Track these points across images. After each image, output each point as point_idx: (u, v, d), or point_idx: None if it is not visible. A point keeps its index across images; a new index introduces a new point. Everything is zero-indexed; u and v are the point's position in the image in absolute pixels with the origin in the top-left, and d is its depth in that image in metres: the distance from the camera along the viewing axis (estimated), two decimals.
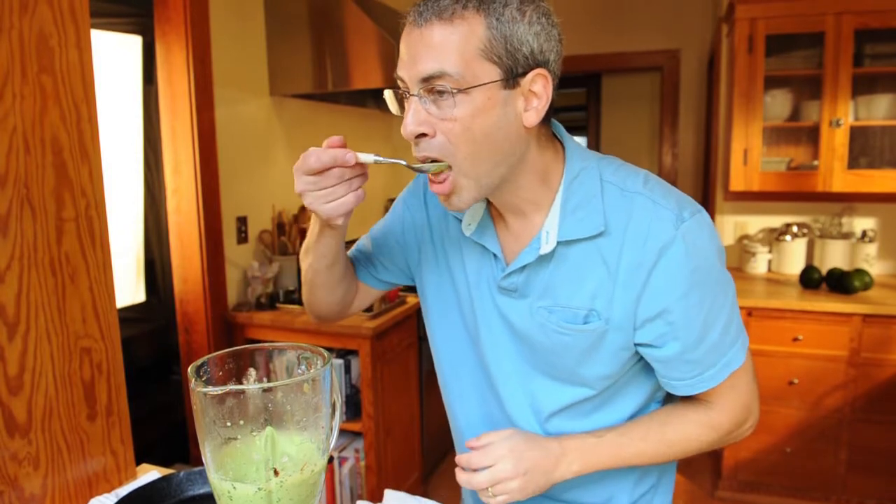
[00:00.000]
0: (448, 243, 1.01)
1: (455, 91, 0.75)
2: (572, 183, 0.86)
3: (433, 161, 0.79)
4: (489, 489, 0.87)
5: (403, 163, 0.82)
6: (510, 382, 0.97)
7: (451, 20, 0.74)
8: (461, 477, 0.89)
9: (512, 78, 0.77)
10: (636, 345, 0.88)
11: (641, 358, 0.92)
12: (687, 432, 0.92)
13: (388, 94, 0.83)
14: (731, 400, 0.91)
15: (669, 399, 1.01)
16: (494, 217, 0.94)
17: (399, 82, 0.80)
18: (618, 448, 0.91)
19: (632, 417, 0.96)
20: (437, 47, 0.74)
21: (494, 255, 0.93)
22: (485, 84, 0.75)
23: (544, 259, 0.87)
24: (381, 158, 0.78)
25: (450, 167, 0.80)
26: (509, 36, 0.75)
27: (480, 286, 0.95)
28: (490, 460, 0.87)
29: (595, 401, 0.94)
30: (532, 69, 0.78)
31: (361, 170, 0.80)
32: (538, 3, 0.78)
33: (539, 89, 0.79)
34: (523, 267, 0.89)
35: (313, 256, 0.97)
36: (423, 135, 0.78)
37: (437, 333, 1.07)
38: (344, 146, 0.78)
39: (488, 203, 0.94)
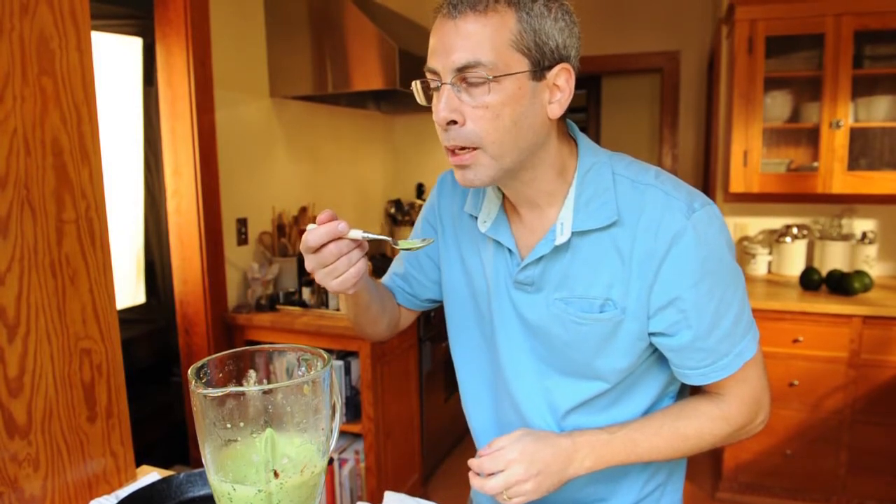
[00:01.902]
0: (465, 244, 1.03)
1: (490, 78, 0.78)
2: (585, 176, 0.89)
3: (462, 148, 0.83)
4: (504, 493, 0.88)
5: (389, 240, 0.88)
6: (525, 381, 0.98)
7: (484, 12, 0.78)
8: (475, 482, 0.90)
9: (539, 70, 0.81)
10: (650, 334, 0.89)
11: (655, 351, 0.93)
12: (700, 426, 0.92)
13: (416, 85, 0.86)
14: (742, 393, 0.92)
15: (682, 395, 1.02)
16: (509, 213, 0.96)
17: (428, 74, 0.83)
18: (631, 443, 0.91)
19: (646, 412, 0.97)
20: (471, 38, 0.78)
21: (510, 251, 0.95)
22: (516, 73, 0.79)
23: (560, 250, 0.90)
24: (368, 234, 0.84)
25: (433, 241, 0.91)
26: (538, 30, 0.79)
27: (498, 284, 0.97)
28: (501, 465, 0.88)
29: (610, 395, 0.95)
30: (557, 63, 0.81)
31: (357, 243, 0.84)
32: (561, 2, 0.82)
33: (562, 83, 0.83)
34: (539, 259, 0.91)
35: (347, 308, 1.03)
36: (454, 122, 0.81)
37: (455, 336, 1.09)
38: (333, 219, 0.82)
39: (503, 199, 0.96)
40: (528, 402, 0.98)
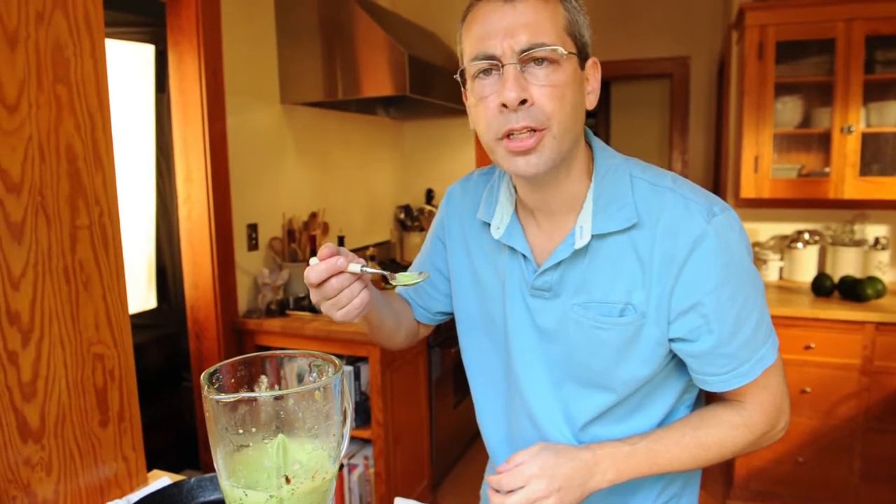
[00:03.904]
0: (476, 254, 1.03)
1: (563, 53, 0.80)
2: (603, 179, 0.89)
3: (531, 129, 0.81)
4: None
5: (387, 274, 0.89)
6: (541, 392, 0.96)
7: None
8: (495, 499, 0.88)
9: (581, 60, 0.84)
10: (670, 340, 0.88)
11: (672, 359, 0.92)
12: (721, 434, 0.91)
13: (465, 76, 0.85)
14: (763, 400, 0.91)
15: (698, 403, 1.01)
16: (523, 220, 0.96)
17: (478, 62, 0.81)
18: (652, 455, 0.90)
19: (664, 421, 0.96)
20: (534, 19, 0.80)
21: (524, 258, 0.94)
22: (574, 54, 0.82)
23: (579, 254, 0.89)
24: (367, 269, 0.85)
25: (427, 277, 0.88)
26: (577, 22, 0.83)
27: (513, 292, 0.96)
28: (522, 481, 0.86)
29: (628, 405, 0.94)
30: (588, 57, 0.85)
31: (358, 277, 0.85)
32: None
33: (592, 76, 0.87)
34: (558, 264, 0.90)
35: (361, 325, 1.04)
36: (523, 101, 0.80)
37: (467, 348, 1.08)
38: (335, 255, 0.83)
39: (516, 206, 0.96)
40: (544, 414, 0.96)
